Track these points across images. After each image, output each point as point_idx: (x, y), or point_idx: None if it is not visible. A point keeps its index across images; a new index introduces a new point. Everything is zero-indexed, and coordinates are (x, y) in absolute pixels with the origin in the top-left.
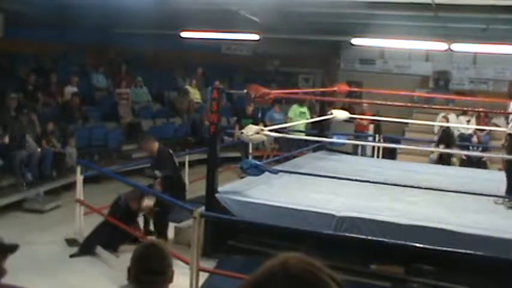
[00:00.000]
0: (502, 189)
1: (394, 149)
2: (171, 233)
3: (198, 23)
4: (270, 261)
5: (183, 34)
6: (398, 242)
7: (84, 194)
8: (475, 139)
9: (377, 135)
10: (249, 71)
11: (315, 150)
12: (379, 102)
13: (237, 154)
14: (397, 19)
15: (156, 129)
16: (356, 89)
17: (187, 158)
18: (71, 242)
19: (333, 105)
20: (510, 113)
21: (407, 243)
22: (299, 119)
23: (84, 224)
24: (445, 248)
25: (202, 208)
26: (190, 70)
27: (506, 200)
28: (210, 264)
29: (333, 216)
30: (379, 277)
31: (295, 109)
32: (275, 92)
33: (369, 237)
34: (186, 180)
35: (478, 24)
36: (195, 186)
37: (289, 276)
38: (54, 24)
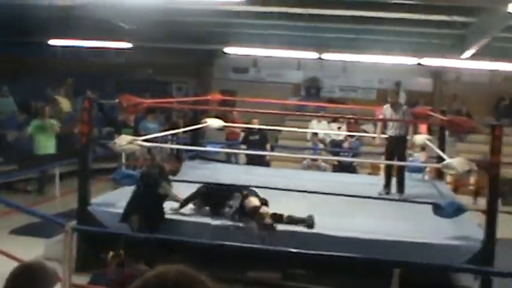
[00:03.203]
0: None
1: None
2: (41, 249)
3: (68, 31)
4: (148, 273)
5: (52, 42)
6: (273, 248)
7: None
8: (346, 144)
9: None
10: (121, 79)
11: (190, 159)
12: (252, 110)
13: (113, 165)
14: (270, 28)
15: (22, 140)
16: (230, 98)
17: (57, 171)
18: None
19: (206, 114)
20: (381, 120)
21: (281, 249)
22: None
23: None
24: (316, 252)
25: (74, 222)
26: (59, 79)
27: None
28: (83, 279)
29: (209, 224)
30: (257, 284)
31: None
32: (148, 102)
33: (245, 245)
34: (57, 193)
35: (348, 34)
36: (66, 199)
37: None
38: None
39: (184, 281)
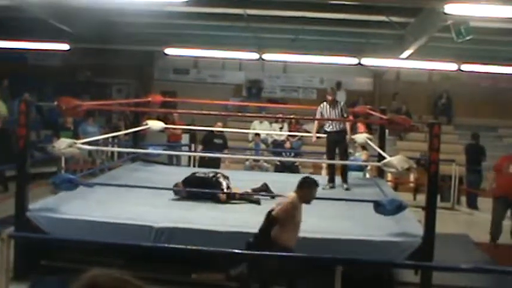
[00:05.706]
0: None
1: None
2: None
3: (4, 31)
4: (79, 281)
5: None
6: (216, 249)
7: None
8: (287, 144)
9: (193, 145)
10: (59, 82)
11: (132, 161)
12: (194, 111)
13: (53, 169)
14: (211, 29)
15: None
16: (171, 99)
17: None
18: None
19: (147, 116)
20: (319, 119)
21: (224, 250)
22: None
23: None
24: (259, 252)
25: (12, 228)
26: None
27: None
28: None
29: (151, 227)
30: (200, 286)
31: None
32: (87, 104)
33: (188, 247)
34: None
35: (288, 35)
36: (3, 205)
37: None
38: None
39: (115, 285)
